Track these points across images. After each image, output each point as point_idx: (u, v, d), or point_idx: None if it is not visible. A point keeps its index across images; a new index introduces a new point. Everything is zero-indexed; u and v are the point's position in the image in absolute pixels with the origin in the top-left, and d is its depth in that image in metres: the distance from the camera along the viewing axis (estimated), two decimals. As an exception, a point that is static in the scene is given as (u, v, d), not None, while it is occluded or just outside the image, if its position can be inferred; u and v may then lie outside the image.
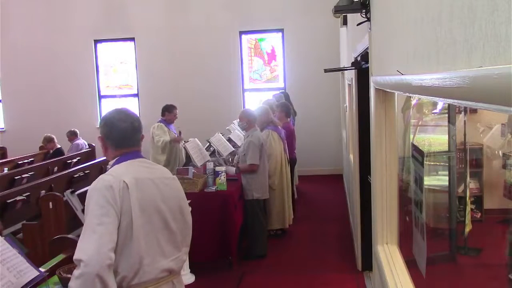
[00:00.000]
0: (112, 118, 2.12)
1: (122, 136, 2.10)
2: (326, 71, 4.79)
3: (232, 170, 5.21)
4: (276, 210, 5.60)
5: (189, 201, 2.37)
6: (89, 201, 1.91)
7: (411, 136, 3.34)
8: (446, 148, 3.55)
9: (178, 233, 2.10)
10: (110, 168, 2.07)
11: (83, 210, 2.27)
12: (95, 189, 1.92)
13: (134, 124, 2.12)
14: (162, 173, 2.16)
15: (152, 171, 2.11)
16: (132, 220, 1.91)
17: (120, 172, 1.97)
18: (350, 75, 5.22)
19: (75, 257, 1.81)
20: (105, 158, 2.30)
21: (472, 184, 3.94)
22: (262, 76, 9.71)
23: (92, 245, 1.80)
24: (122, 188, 1.91)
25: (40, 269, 2.24)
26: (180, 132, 6.54)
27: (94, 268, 1.76)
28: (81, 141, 8.12)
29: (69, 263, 2.44)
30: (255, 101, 9.04)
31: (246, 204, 5.05)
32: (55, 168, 6.86)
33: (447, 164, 3.54)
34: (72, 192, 2.24)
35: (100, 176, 1.98)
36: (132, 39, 9.79)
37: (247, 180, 5.03)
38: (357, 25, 3.37)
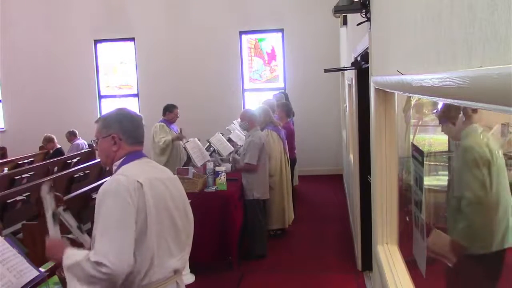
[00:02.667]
0: (122, 115, 2.12)
1: (136, 131, 2.12)
2: (326, 71, 4.80)
3: (228, 166, 5.22)
4: (276, 210, 5.60)
5: (189, 201, 2.37)
6: (104, 202, 1.88)
7: (411, 136, 3.34)
8: (446, 148, 3.54)
9: (183, 232, 2.11)
10: (117, 168, 2.05)
11: (78, 227, 2.25)
12: (110, 190, 1.89)
13: (142, 122, 2.18)
14: (167, 173, 2.19)
15: (158, 171, 2.13)
16: (146, 220, 1.91)
17: (133, 172, 1.97)
18: (350, 75, 5.22)
19: (96, 259, 1.79)
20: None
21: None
22: (262, 76, 9.71)
23: (114, 250, 1.81)
24: (137, 188, 1.91)
25: (40, 269, 2.24)
26: (181, 130, 6.53)
27: (119, 276, 1.81)
28: (81, 141, 8.11)
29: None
30: (255, 101, 9.03)
31: (246, 204, 5.05)
32: (55, 168, 6.86)
33: (447, 164, 3.54)
34: (65, 210, 2.20)
35: (113, 177, 1.97)
36: (132, 39, 9.79)
37: (247, 180, 5.04)
38: (357, 25, 3.37)
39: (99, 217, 1.88)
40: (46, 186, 2.13)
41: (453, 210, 2.29)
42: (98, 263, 1.78)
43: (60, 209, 2.14)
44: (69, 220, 2.17)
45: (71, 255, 1.89)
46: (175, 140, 6.42)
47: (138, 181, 1.92)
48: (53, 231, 2.12)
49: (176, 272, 2.06)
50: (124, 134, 2.07)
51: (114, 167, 2.08)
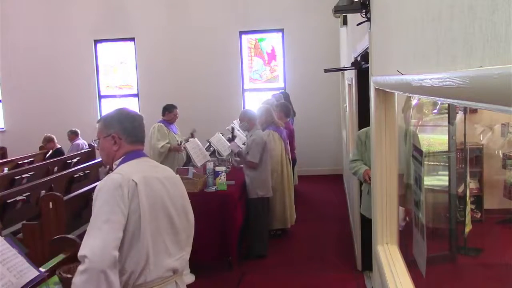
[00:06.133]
0: (121, 115, 2.13)
1: (137, 131, 2.13)
2: (326, 71, 4.80)
3: (235, 147, 5.28)
4: (278, 210, 5.61)
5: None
6: (97, 199, 1.91)
7: (411, 136, 3.34)
8: (446, 148, 3.55)
9: (182, 232, 2.11)
10: (117, 167, 2.07)
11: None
12: (103, 187, 1.92)
13: (142, 121, 2.19)
14: (167, 172, 2.19)
15: (158, 170, 2.13)
16: (140, 218, 1.92)
17: (129, 171, 1.98)
18: (350, 75, 5.22)
19: (79, 253, 1.81)
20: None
21: (472, 184, 3.94)
22: (262, 76, 9.71)
23: (97, 242, 1.80)
24: (131, 187, 1.92)
25: (40, 269, 2.24)
26: (181, 142, 6.43)
27: (99, 264, 1.77)
28: (81, 141, 8.11)
29: (69, 263, 2.44)
30: (255, 101, 9.04)
31: (250, 203, 5.06)
32: (55, 168, 6.86)
33: (447, 164, 3.54)
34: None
35: (109, 175, 1.98)
36: (132, 39, 9.79)
37: (251, 179, 5.05)
38: (357, 25, 3.37)
39: (92, 214, 1.91)
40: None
41: None
42: (82, 256, 1.80)
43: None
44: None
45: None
46: (172, 150, 6.31)
47: (132, 180, 1.93)
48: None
49: (175, 272, 2.05)
50: (124, 134, 2.09)
51: (115, 166, 2.09)
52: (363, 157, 3.84)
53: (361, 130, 4.00)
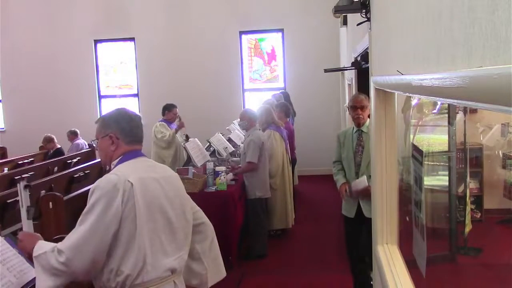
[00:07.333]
0: (119, 115, 2.14)
1: (134, 131, 2.13)
2: (326, 71, 4.81)
3: (230, 176, 5.21)
4: (279, 211, 5.61)
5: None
6: (91, 197, 1.91)
7: (411, 136, 3.34)
8: (446, 148, 3.55)
9: (180, 232, 2.10)
10: (114, 167, 2.07)
11: (28, 209, 2.26)
12: (98, 187, 1.92)
13: (140, 121, 2.19)
14: (164, 171, 2.18)
15: (155, 169, 2.13)
16: (136, 219, 1.91)
17: (125, 171, 1.97)
18: (350, 75, 5.22)
19: (62, 246, 1.85)
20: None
21: (472, 184, 3.94)
22: (262, 76, 9.71)
23: (79, 244, 1.85)
24: (127, 188, 1.91)
25: (40, 269, 2.24)
26: (179, 118, 6.58)
27: (76, 272, 1.85)
28: (81, 141, 8.12)
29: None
30: (255, 101, 9.04)
31: (248, 204, 5.05)
32: (55, 168, 6.85)
33: (447, 164, 3.54)
34: (26, 187, 2.23)
35: (105, 175, 1.98)
36: (132, 39, 9.79)
37: (249, 180, 5.04)
38: (357, 25, 3.37)
39: (84, 211, 1.93)
40: (23, 183, 2.16)
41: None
42: (59, 251, 1.84)
43: (22, 183, 2.17)
44: (24, 198, 2.20)
45: (41, 246, 1.93)
46: (178, 130, 6.49)
47: (128, 180, 1.92)
48: (27, 225, 2.18)
49: (173, 271, 2.05)
50: (121, 134, 2.09)
51: (112, 166, 2.09)
52: (342, 158, 3.95)
53: (340, 131, 4.16)
